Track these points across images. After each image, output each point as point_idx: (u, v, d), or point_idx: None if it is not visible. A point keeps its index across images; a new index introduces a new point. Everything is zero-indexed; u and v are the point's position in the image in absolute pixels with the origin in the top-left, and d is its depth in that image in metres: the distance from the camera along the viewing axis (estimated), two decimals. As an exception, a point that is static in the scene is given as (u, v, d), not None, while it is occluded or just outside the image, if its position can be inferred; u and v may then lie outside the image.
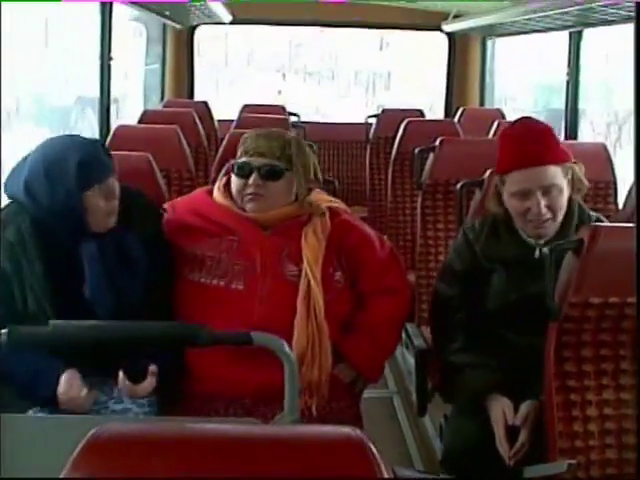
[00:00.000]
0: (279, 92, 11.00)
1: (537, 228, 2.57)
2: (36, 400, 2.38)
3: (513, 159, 2.56)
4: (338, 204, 2.80)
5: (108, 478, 0.92)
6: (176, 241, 2.65)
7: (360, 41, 10.09)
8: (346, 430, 0.97)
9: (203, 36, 6.85)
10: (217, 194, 2.72)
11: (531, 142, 2.55)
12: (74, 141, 2.51)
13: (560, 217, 2.57)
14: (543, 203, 2.53)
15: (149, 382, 2.41)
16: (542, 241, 2.58)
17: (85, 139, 2.53)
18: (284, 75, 11.74)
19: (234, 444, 0.93)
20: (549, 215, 2.54)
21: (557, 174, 2.54)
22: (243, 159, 2.66)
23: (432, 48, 7.40)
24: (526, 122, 2.67)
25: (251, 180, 2.63)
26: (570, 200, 2.60)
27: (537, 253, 2.57)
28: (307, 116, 6.93)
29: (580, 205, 2.66)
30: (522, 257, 2.58)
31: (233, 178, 2.69)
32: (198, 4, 5.44)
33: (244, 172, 2.65)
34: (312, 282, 2.57)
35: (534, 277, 2.50)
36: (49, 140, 2.53)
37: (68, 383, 2.35)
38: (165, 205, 2.79)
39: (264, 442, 0.94)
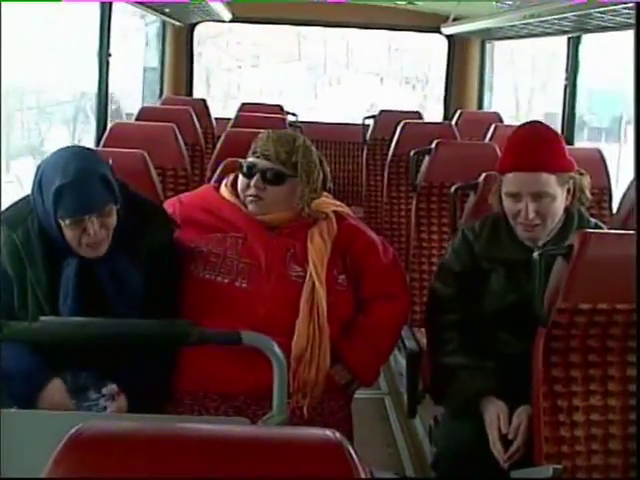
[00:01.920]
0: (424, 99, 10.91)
1: (526, 231, 2.59)
2: (14, 399, 2.35)
3: (510, 161, 2.60)
4: (344, 208, 2.81)
5: (89, 476, 0.93)
6: (182, 236, 2.65)
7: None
8: (326, 433, 0.98)
9: (303, 41, 6.84)
10: (224, 191, 2.73)
11: (532, 147, 2.57)
12: (70, 164, 2.33)
13: (550, 224, 2.59)
14: (532, 208, 2.54)
15: (121, 402, 2.41)
16: (540, 244, 2.59)
17: (86, 162, 2.36)
18: (382, 79, 11.85)
19: (214, 445, 0.94)
20: (537, 221, 2.56)
21: (550, 182, 2.54)
22: (250, 159, 2.68)
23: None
24: (534, 126, 2.68)
25: (253, 182, 2.65)
26: (569, 207, 2.61)
27: (534, 256, 2.59)
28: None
29: (580, 212, 2.67)
30: (521, 259, 2.59)
31: (240, 176, 2.70)
32: (198, 3, 5.45)
33: (249, 173, 2.66)
34: (316, 283, 2.57)
35: (531, 280, 2.52)
36: (58, 151, 2.41)
37: (52, 391, 2.35)
38: (165, 204, 2.78)
39: (244, 443, 0.95)
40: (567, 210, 2.62)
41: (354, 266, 2.71)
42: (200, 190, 2.89)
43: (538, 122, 2.72)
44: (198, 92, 7.19)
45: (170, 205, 2.75)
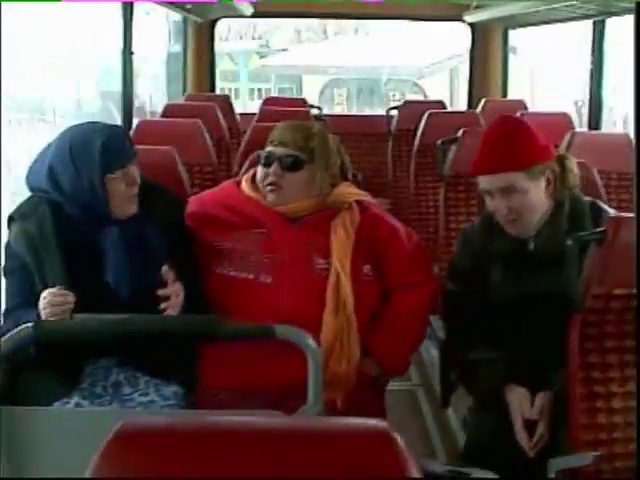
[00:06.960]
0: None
1: (506, 227, 2.58)
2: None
3: (477, 164, 2.58)
4: (366, 197, 2.80)
5: (137, 470, 0.93)
6: (205, 234, 2.66)
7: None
8: (372, 422, 0.97)
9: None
10: (245, 186, 2.73)
11: (495, 148, 2.54)
12: (98, 126, 2.52)
13: (530, 217, 2.55)
14: (504, 204, 2.53)
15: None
16: (532, 234, 2.57)
17: (108, 124, 2.57)
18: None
19: (260, 437, 0.94)
20: (513, 216, 2.54)
21: (518, 178, 2.50)
22: (267, 148, 2.69)
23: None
24: (501, 123, 2.62)
25: (271, 170, 2.65)
26: (557, 195, 2.56)
27: (531, 246, 2.57)
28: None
29: (573, 195, 2.60)
30: (517, 251, 2.58)
31: (258, 168, 2.70)
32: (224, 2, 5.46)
33: (267, 161, 2.66)
34: (342, 275, 2.57)
35: (531, 271, 2.52)
36: (73, 126, 2.55)
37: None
38: (189, 198, 2.80)
39: (290, 434, 0.95)
40: (556, 196, 2.57)
41: (378, 255, 2.70)
42: (222, 187, 2.88)
43: (507, 117, 2.68)
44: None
45: (193, 203, 2.75)
